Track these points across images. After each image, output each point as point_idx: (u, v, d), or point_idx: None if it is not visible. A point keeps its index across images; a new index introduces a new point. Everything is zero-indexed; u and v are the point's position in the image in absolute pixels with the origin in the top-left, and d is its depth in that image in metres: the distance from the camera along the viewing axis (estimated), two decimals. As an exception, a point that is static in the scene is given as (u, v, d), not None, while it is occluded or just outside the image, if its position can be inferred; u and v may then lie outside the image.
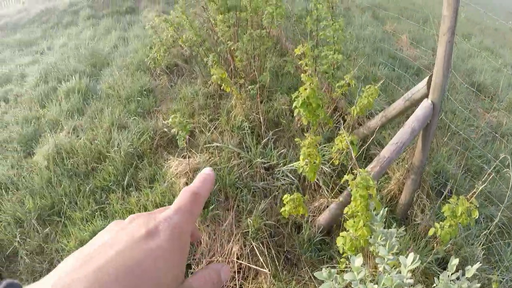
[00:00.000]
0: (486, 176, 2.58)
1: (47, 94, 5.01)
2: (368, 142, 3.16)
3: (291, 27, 5.00)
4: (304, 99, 2.62)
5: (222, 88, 3.19)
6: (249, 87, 3.30)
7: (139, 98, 4.38)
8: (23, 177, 3.56)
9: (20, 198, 3.34)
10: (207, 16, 4.23)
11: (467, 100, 4.70)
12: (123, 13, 8.99)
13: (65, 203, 3.21)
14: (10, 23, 10.11)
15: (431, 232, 2.25)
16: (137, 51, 5.72)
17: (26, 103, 4.93)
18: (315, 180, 2.90)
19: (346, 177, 2.18)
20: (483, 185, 2.42)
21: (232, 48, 3.40)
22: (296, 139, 2.62)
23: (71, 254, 0.37)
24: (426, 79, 2.70)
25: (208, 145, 3.32)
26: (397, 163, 3.29)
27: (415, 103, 2.85)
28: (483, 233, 2.85)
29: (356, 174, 2.11)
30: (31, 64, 6.48)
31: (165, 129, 3.70)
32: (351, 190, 2.06)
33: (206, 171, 0.50)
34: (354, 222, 2.06)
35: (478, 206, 2.15)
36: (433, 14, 8.99)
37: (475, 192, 2.38)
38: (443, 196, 3.10)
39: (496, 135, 3.90)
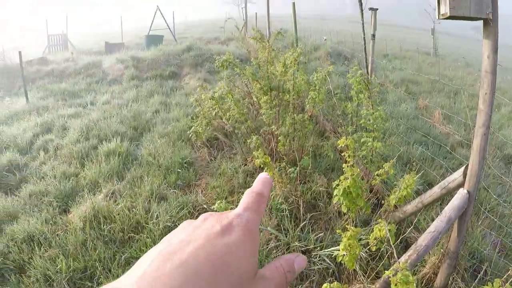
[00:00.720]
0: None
1: (87, 152, 5.14)
2: (407, 231, 3.18)
3: (329, 105, 5.12)
4: (345, 188, 2.67)
5: (262, 168, 3.26)
6: (289, 170, 3.36)
7: (179, 170, 4.45)
8: (57, 234, 3.54)
9: (52, 256, 3.28)
10: (249, 91, 4.41)
11: (500, 174, 4.64)
12: (166, 77, 9.37)
13: (99, 269, 3.16)
14: (57, 70, 10.64)
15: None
16: (179, 120, 5.90)
17: (66, 158, 5.05)
18: (352, 264, 2.90)
19: (387, 272, 2.18)
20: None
21: (275, 132, 3.52)
22: (338, 231, 2.64)
23: (148, 253, 0.40)
24: (462, 169, 2.74)
25: (247, 226, 3.33)
26: (433, 248, 3.26)
27: (451, 191, 2.88)
28: (518, 311, 2.77)
29: (396, 270, 2.12)
30: (73, 117, 6.72)
31: (204, 206, 3.75)
32: (391, 285, 2.06)
33: (263, 175, 0.52)
34: (392, 313, 2.04)
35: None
36: (463, 86, 9.10)
37: (510, 275, 2.34)
38: (477, 279, 3.04)
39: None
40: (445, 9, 2.44)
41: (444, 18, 2.46)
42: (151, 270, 0.36)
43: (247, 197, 0.47)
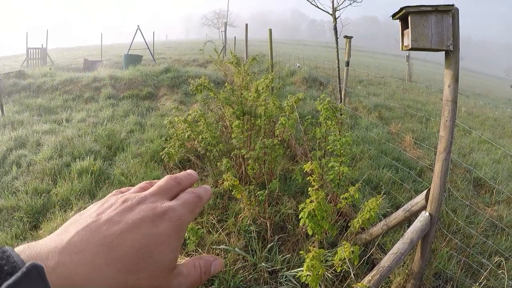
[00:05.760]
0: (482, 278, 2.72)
1: (60, 169, 5.10)
2: (371, 251, 3.28)
3: (300, 129, 5.22)
4: (310, 211, 2.77)
5: (231, 190, 3.32)
6: (258, 193, 3.44)
7: (151, 190, 4.41)
8: (26, 250, 3.51)
9: (21, 273, 3.27)
10: (223, 114, 4.49)
11: (468, 196, 4.79)
12: (142, 97, 9.41)
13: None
14: (34, 85, 10.49)
15: None
16: (153, 141, 5.93)
17: (38, 174, 5.00)
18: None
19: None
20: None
21: (245, 156, 3.60)
22: (301, 252, 2.72)
23: (75, 222, 0.40)
24: (424, 193, 2.84)
25: (215, 246, 3.39)
26: (398, 268, 3.34)
27: (414, 214, 2.98)
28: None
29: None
30: (48, 133, 6.67)
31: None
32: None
33: (207, 186, 0.53)
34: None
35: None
36: (434, 112, 9.40)
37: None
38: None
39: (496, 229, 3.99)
40: (407, 42, 2.58)
41: (407, 50, 2.60)
42: (75, 243, 0.36)
43: (188, 195, 0.48)
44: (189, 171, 0.54)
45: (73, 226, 0.39)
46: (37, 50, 19.99)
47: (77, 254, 0.34)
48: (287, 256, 3.34)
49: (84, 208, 0.48)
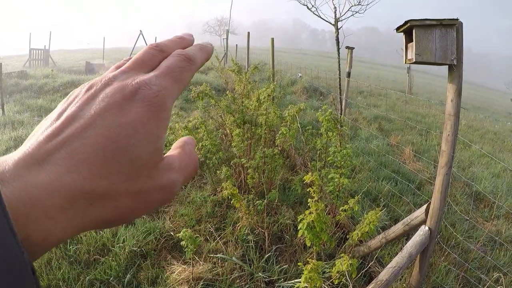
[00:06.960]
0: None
1: (59, 172, 5.11)
2: (369, 264, 3.27)
3: (301, 140, 5.22)
4: (309, 222, 2.75)
5: (230, 199, 3.32)
6: (257, 202, 3.43)
7: (149, 197, 4.40)
8: (22, 252, 3.49)
9: (16, 273, 3.24)
10: (223, 122, 4.49)
11: (467, 211, 4.78)
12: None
13: (62, 288, 3.11)
14: (36, 86, 10.60)
15: None
16: (152, 147, 5.88)
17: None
18: (314, 298, 2.93)
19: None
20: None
21: (245, 165, 3.60)
22: (299, 264, 2.71)
23: (40, 125, 0.33)
24: (424, 207, 2.84)
25: (212, 255, 3.38)
26: (396, 282, 3.33)
27: (413, 228, 2.97)
28: None
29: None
30: (48, 135, 6.68)
31: (171, 233, 3.74)
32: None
33: (207, 43, 0.43)
34: None
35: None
36: (434, 124, 9.41)
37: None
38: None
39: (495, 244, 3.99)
40: (411, 55, 2.58)
41: (410, 63, 2.60)
42: (32, 153, 0.29)
43: (170, 59, 0.37)
44: (182, 33, 0.42)
45: (34, 135, 0.31)
46: (39, 51, 20.14)
47: (35, 165, 0.28)
48: (284, 266, 3.33)
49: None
